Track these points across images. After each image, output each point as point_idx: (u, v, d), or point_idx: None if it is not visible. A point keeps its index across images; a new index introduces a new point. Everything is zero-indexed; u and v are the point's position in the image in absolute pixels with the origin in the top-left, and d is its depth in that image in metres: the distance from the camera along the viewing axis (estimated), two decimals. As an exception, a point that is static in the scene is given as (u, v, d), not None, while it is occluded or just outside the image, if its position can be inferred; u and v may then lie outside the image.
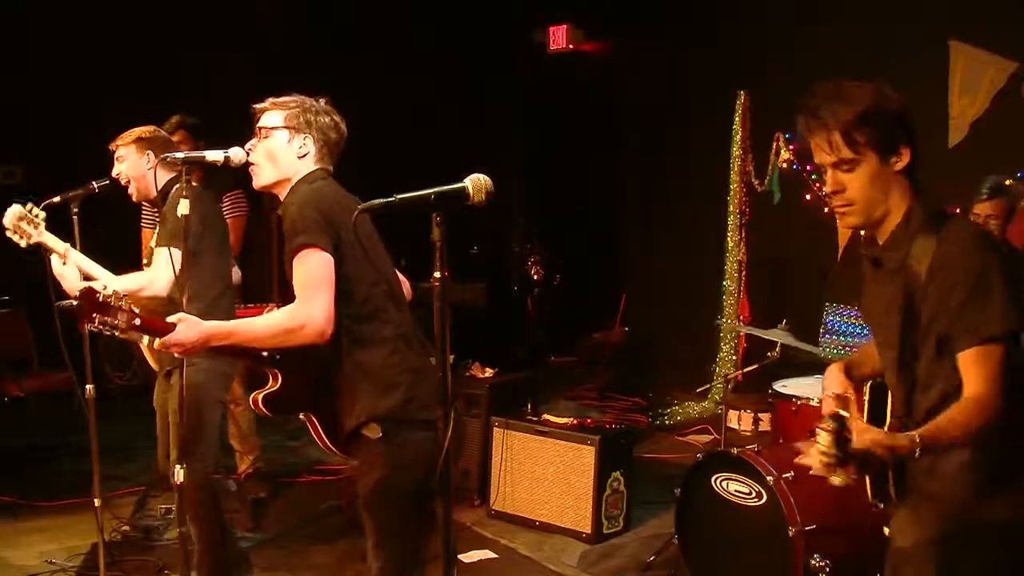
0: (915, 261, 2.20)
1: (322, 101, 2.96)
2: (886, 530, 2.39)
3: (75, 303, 2.83)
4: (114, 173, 3.84)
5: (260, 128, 2.90)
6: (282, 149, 2.86)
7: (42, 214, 3.64)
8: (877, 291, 2.36)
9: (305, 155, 2.88)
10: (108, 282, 3.28)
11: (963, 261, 2.15)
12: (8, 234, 3.64)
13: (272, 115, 2.89)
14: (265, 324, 2.75)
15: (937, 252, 2.17)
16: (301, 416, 2.92)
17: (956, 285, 2.14)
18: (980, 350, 2.12)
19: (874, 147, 2.21)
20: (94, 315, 2.68)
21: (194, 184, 3.85)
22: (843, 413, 1.98)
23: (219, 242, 3.84)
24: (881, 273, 2.33)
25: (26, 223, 3.62)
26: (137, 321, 2.72)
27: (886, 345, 2.34)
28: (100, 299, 2.70)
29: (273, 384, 2.88)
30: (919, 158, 2.25)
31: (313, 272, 2.65)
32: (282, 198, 2.89)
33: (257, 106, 2.95)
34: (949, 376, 2.19)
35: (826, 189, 2.29)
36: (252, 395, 2.90)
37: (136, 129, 3.97)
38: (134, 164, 3.86)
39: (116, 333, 2.77)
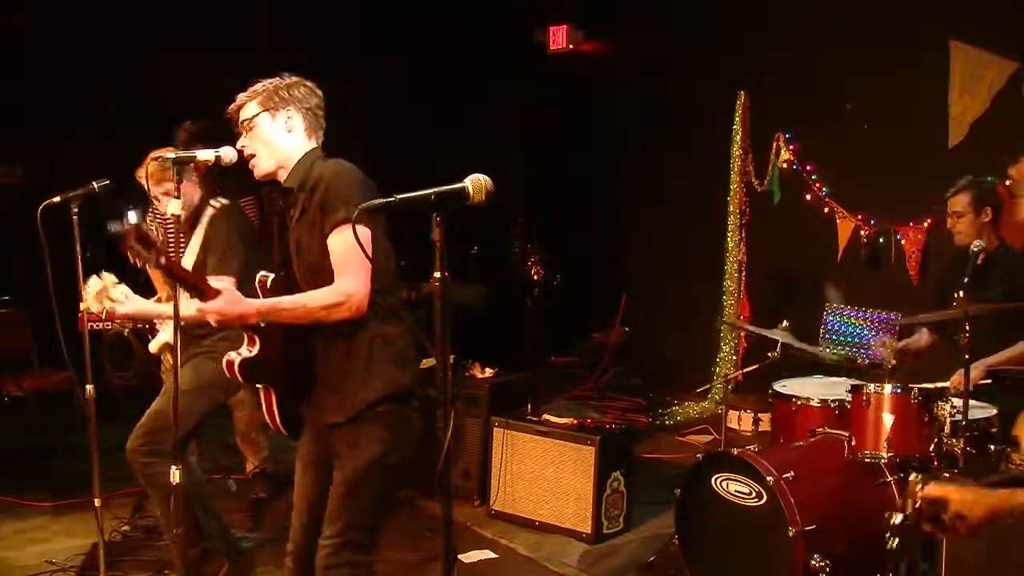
0: None
1: (287, 75, 3.01)
2: None
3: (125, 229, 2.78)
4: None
5: (243, 123, 2.94)
6: (270, 131, 2.89)
7: (120, 287, 3.59)
8: None
9: (293, 128, 2.91)
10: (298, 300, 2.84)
11: None
12: (96, 310, 3.59)
13: (248, 106, 2.93)
14: (305, 302, 2.73)
15: None
16: (259, 386, 2.88)
17: None
18: None
19: None
20: (134, 243, 2.63)
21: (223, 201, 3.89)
22: None
23: (251, 253, 3.87)
24: None
25: (106, 296, 3.57)
26: (163, 260, 2.65)
27: None
28: (145, 232, 2.66)
29: (251, 348, 2.85)
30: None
31: (354, 247, 2.56)
32: (284, 179, 2.91)
33: (231, 108, 3.00)
34: None
35: None
36: (227, 358, 2.85)
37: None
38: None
39: (150, 265, 2.73)
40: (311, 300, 2.73)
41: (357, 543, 2.84)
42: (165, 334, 4.04)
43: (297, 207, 2.87)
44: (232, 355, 2.86)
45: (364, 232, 2.62)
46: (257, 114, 2.91)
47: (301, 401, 2.91)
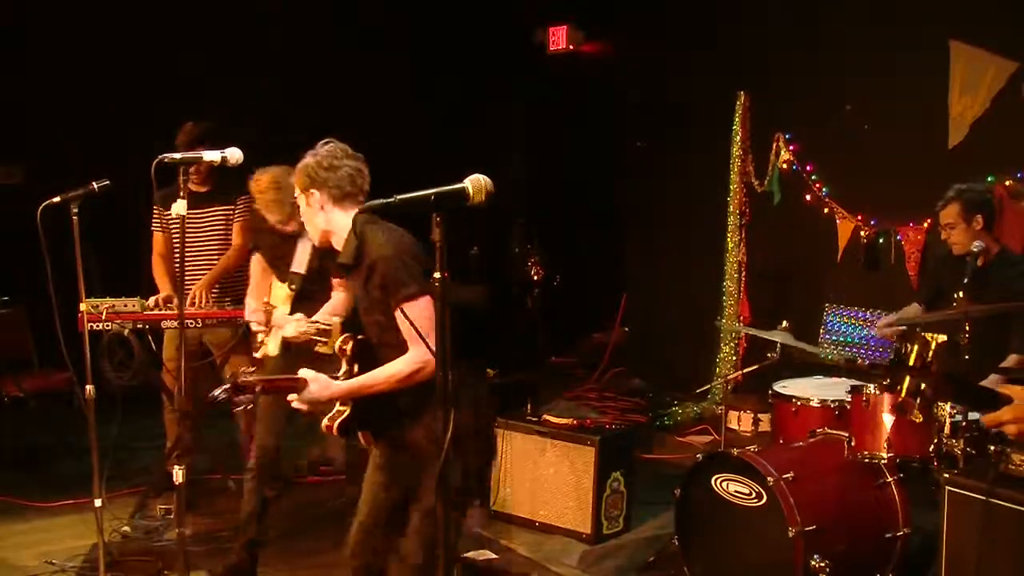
0: None
1: (322, 147, 3.16)
2: None
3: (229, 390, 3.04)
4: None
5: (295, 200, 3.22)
6: (307, 211, 3.13)
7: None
8: None
9: (324, 206, 3.09)
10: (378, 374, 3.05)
11: None
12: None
13: (295, 186, 3.18)
14: (387, 376, 2.97)
15: None
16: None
17: None
18: None
19: None
20: (237, 398, 3.09)
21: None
22: None
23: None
24: None
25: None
26: (259, 389, 3.03)
27: None
28: (241, 384, 2.99)
29: (343, 409, 3.06)
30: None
31: (425, 317, 2.81)
32: (338, 245, 3.11)
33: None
34: None
35: None
36: (324, 424, 3.08)
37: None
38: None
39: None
40: (393, 374, 2.96)
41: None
42: (282, 331, 4.13)
43: (358, 280, 3.06)
44: (326, 421, 3.07)
45: (429, 302, 2.84)
46: (297, 195, 3.16)
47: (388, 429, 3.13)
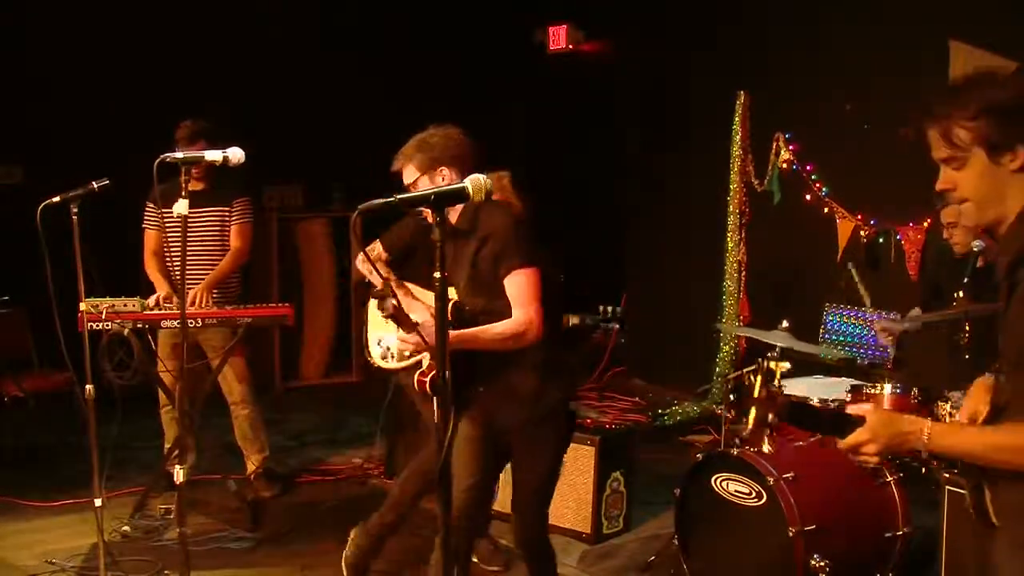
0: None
1: (431, 129, 3.53)
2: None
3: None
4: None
5: (408, 185, 3.37)
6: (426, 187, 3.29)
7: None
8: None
9: (451, 181, 3.30)
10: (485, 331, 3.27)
11: None
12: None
13: (408, 170, 3.39)
14: (496, 332, 3.18)
15: None
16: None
17: None
18: None
19: (982, 144, 1.97)
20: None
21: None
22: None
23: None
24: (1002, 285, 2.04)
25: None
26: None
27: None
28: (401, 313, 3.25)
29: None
30: None
31: (531, 287, 3.17)
32: (455, 220, 3.29)
33: (393, 168, 3.44)
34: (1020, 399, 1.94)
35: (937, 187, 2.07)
36: (418, 378, 3.34)
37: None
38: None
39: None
40: (501, 332, 3.18)
41: None
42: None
43: (468, 247, 3.28)
44: (419, 376, 3.37)
45: (536, 273, 3.20)
46: (418, 178, 3.35)
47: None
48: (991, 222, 2.03)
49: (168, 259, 5.16)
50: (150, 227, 5.29)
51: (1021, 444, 1.88)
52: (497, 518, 5.00)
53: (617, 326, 3.86)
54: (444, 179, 3.32)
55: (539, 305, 3.18)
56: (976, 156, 1.98)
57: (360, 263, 4.17)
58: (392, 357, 4.03)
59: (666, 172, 7.83)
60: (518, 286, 3.17)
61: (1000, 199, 1.99)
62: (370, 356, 4.14)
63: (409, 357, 3.86)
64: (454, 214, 3.28)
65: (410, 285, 4.09)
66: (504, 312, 3.20)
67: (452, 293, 3.36)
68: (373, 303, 4.17)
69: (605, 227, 8.52)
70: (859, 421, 2.10)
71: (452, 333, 3.03)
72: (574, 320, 3.93)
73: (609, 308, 4.02)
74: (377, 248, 4.17)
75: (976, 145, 1.97)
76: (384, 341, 4.04)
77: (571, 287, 8.30)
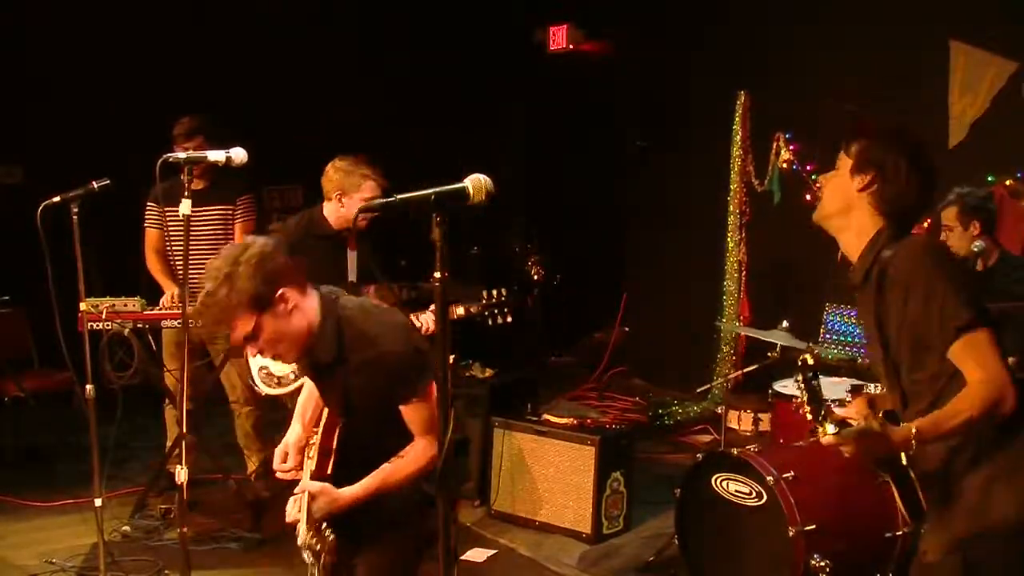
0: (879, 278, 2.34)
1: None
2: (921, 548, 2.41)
3: None
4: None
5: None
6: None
7: None
8: (863, 309, 2.48)
9: (289, 309, 2.61)
10: None
11: (909, 272, 2.27)
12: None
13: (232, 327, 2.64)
14: (408, 474, 2.69)
15: (888, 269, 2.31)
16: None
17: (909, 296, 2.25)
18: (962, 342, 2.20)
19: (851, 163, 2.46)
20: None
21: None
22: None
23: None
24: (863, 291, 2.43)
25: None
26: None
27: (875, 360, 2.46)
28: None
29: None
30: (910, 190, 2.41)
31: (432, 411, 2.61)
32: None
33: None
34: (931, 385, 2.28)
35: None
36: None
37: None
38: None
39: None
40: (409, 469, 2.70)
41: None
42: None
43: (337, 374, 2.70)
44: None
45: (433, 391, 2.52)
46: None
47: None
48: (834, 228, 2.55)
49: (171, 258, 5.17)
50: (151, 226, 5.29)
51: (971, 408, 2.16)
52: (497, 518, 5.01)
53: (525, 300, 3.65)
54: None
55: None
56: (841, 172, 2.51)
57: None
58: (276, 383, 4.05)
59: (666, 172, 7.83)
60: (419, 413, 2.65)
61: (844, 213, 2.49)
62: (256, 386, 4.17)
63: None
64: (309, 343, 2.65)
65: None
66: (396, 434, 2.70)
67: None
68: None
69: (605, 227, 8.52)
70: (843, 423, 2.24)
71: (355, 490, 2.67)
72: (459, 311, 3.73)
73: (495, 292, 3.81)
74: None
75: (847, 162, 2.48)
76: (266, 367, 4.08)
77: (572, 287, 8.34)
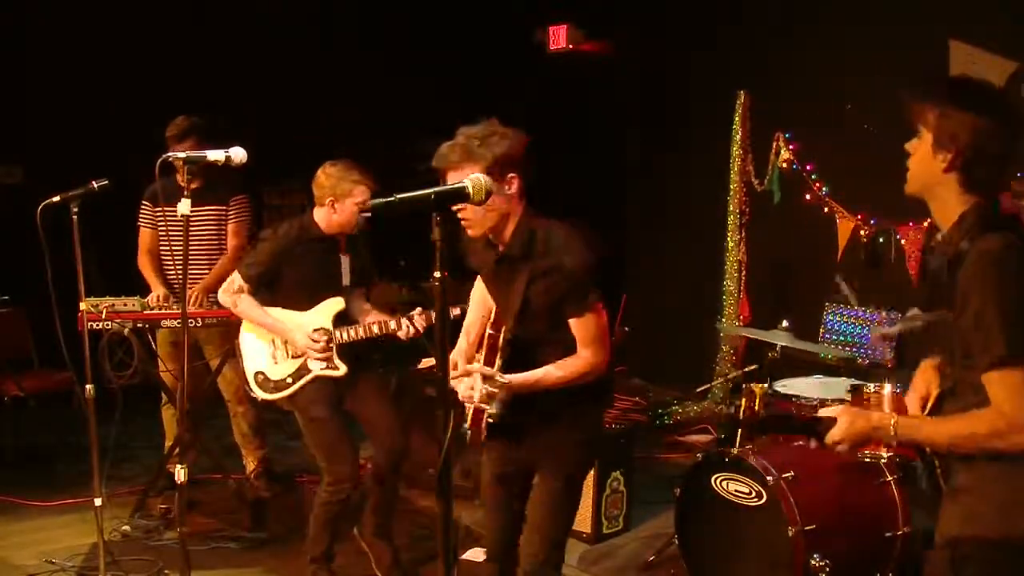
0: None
1: (485, 124, 3.16)
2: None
3: None
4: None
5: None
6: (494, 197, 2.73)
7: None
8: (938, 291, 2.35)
9: (513, 192, 3.04)
10: None
11: (970, 281, 2.13)
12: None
13: (458, 174, 2.90)
14: (559, 377, 2.96)
15: (959, 269, 2.17)
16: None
17: (965, 307, 2.14)
18: (997, 374, 2.08)
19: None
20: None
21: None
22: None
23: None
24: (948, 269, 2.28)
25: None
26: None
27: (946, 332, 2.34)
28: None
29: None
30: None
31: (603, 324, 3.04)
32: (506, 244, 3.05)
33: (438, 165, 3.06)
34: (976, 389, 2.14)
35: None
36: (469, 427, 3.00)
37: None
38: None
39: None
40: (566, 374, 2.96)
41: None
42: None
43: (521, 271, 3.01)
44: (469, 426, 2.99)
45: (602, 307, 3.01)
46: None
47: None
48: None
49: (165, 257, 5.17)
50: (145, 226, 5.29)
51: (973, 432, 2.13)
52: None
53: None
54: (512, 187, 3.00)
55: (608, 339, 3.05)
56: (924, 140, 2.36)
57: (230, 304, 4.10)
58: (272, 388, 4.08)
59: (666, 172, 7.83)
60: (586, 326, 3.00)
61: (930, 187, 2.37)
62: (252, 391, 4.18)
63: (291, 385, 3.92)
64: (506, 231, 3.03)
65: (277, 312, 4.08)
66: (562, 341, 3.00)
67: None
68: (244, 335, 4.21)
69: (605, 227, 8.51)
70: (832, 422, 2.41)
71: (514, 378, 2.90)
72: (456, 312, 3.64)
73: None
74: (237, 281, 4.09)
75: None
76: (262, 372, 4.09)
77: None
